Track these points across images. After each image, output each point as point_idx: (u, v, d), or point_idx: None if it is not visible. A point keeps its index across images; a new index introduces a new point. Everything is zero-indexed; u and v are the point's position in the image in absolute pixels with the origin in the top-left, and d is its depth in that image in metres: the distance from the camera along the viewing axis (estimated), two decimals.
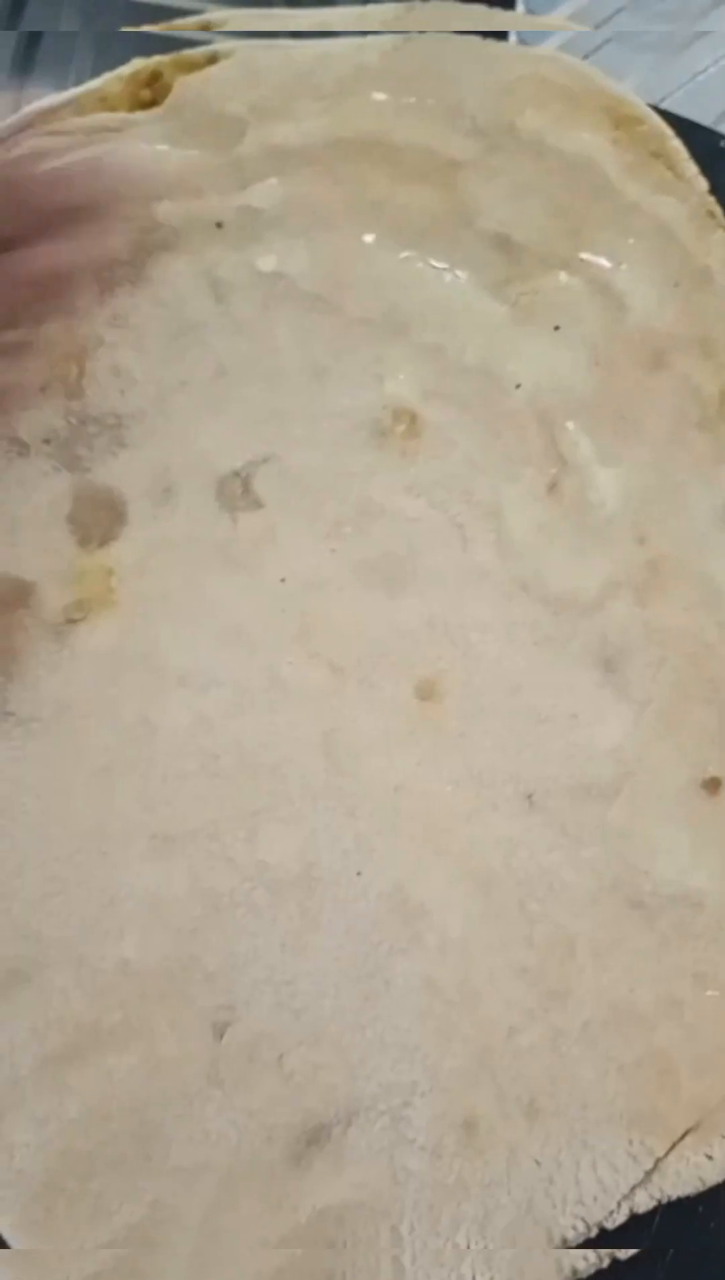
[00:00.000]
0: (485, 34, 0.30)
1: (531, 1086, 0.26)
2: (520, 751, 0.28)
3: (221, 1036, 0.27)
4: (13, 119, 0.32)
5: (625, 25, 0.36)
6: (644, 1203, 0.25)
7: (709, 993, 0.26)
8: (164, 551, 0.29)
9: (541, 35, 0.38)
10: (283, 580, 0.29)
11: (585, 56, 0.37)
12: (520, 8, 0.34)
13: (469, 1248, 0.24)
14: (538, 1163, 0.25)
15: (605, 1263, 0.25)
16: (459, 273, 0.29)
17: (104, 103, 0.31)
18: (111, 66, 0.32)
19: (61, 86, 0.39)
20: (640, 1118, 0.25)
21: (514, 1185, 0.25)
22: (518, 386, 0.29)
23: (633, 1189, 0.25)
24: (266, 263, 0.29)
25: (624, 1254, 0.25)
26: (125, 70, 0.31)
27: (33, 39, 0.40)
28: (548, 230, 0.29)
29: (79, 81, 0.39)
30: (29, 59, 0.40)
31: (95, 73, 0.39)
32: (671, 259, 0.29)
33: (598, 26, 0.36)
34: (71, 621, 0.29)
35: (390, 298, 0.30)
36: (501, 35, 0.31)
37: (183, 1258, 0.25)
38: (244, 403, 0.30)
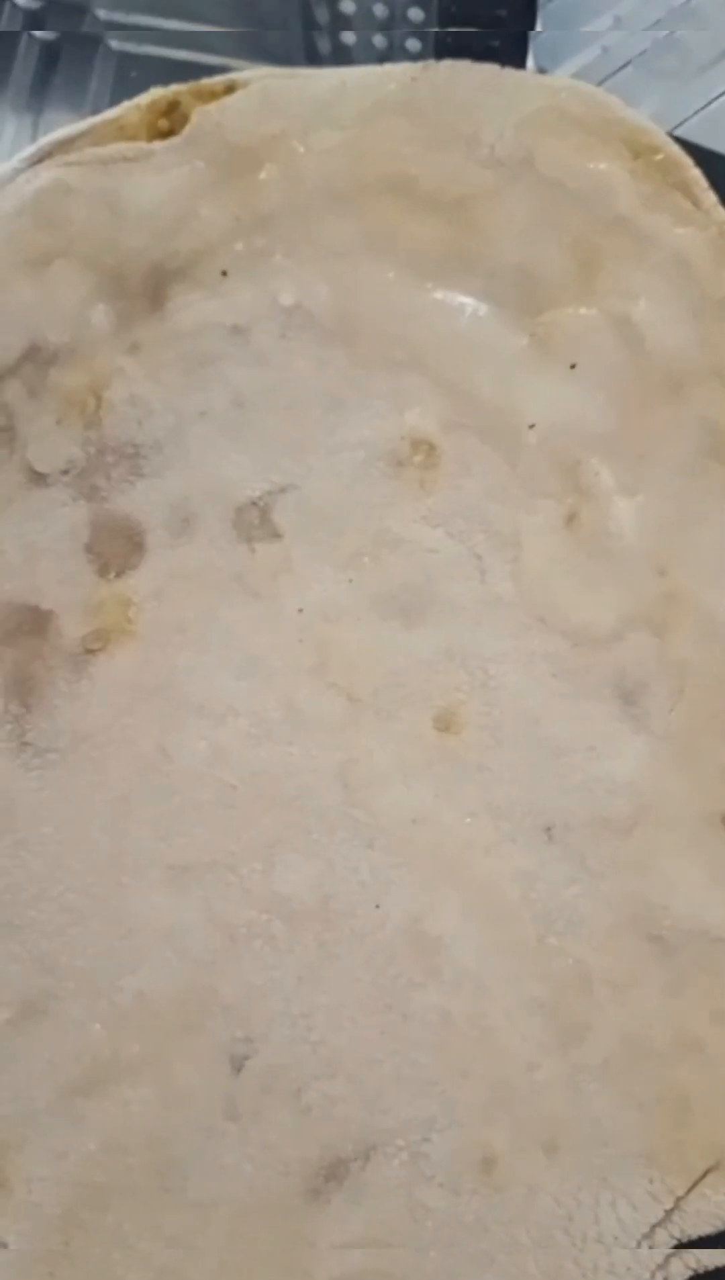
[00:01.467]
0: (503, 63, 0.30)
1: (550, 1123, 0.26)
2: (538, 784, 0.28)
3: (239, 1070, 0.27)
4: (30, 149, 0.32)
5: (627, 84, 0.36)
6: (663, 1241, 0.25)
7: None
8: (182, 581, 0.29)
9: (557, 61, 0.38)
10: (300, 610, 0.29)
11: (601, 82, 0.37)
12: (530, 64, 0.35)
13: None
14: (557, 1200, 0.25)
15: None
16: (477, 305, 0.29)
17: (122, 132, 0.31)
18: (128, 93, 0.32)
19: (79, 111, 0.40)
20: (659, 1156, 0.25)
21: (533, 1223, 0.25)
22: (531, 427, 0.29)
23: (653, 1228, 0.25)
24: (285, 296, 0.29)
25: None
26: (143, 99, 0.31)
27: (50, 64, 0.40)
28: (565, 262, 0.29)
29: (96, 107, 0.39)
30: (46, 84, 0.40)
31: (113, 99, 0.40)
32: (690, 290, 0.29)
33: (600, 83, 0.36)
34: (90, 651, 0.29)
35: (408, 329, 0.30)
36: (520, 63, 0.31)
37: None
38: (262, 433, 0.30)
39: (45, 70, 0.40)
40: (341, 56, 0.37)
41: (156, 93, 0.31)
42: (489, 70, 0.30)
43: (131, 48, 0.40)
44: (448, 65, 0.30)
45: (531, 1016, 0.26)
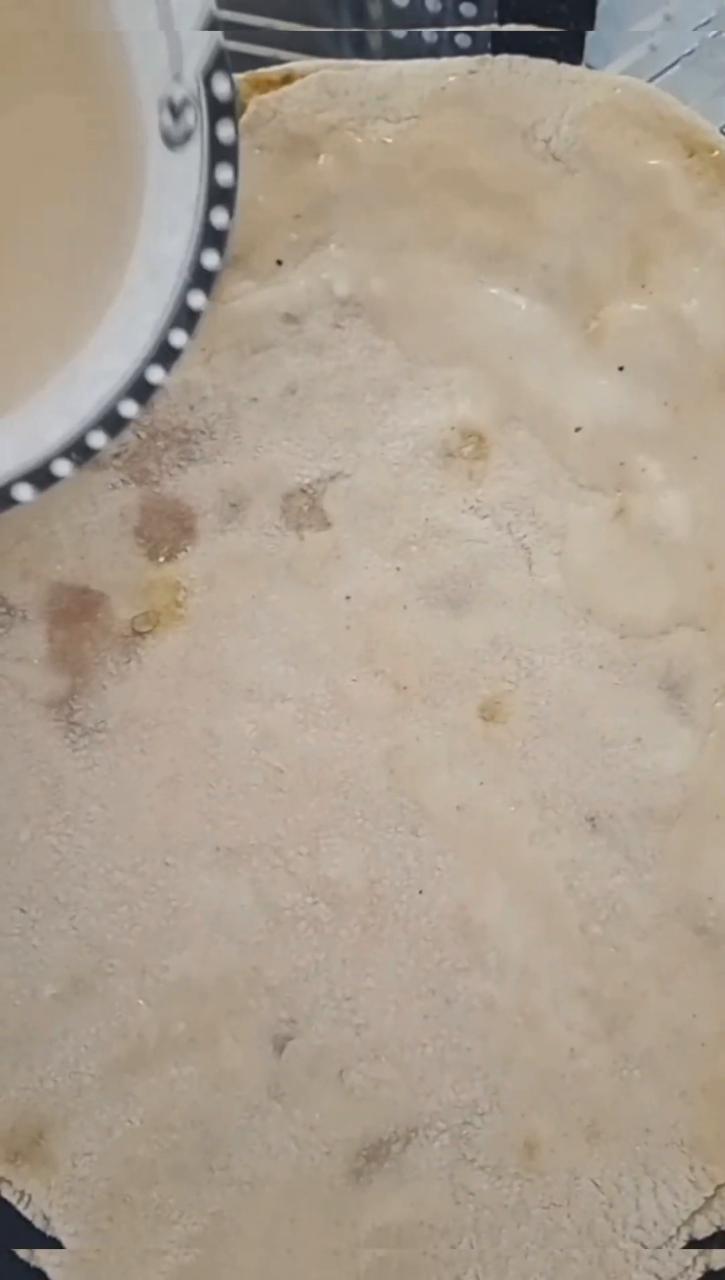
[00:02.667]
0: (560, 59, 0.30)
1: (592, 1109, 0.26)
2: (584, 774, 0.28)
3: (282, 1050, 0.27)
4: None
5: (675, 82, 0.36)
6: (704, 1229, 0.25)
7: None
8: (231, 566, 0.30)
9: (606, 59, 0.38)
10: (348, 598, 0.29)
11: (652, 78, 0.37)
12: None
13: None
14: (598, 1186, 0.25)
15: None
16: (530, 298, 0.30)
17: None
18: None
19: None
20: (702, 1144, 0.25)
21: (574, 1208, 0.25)
22: (578, 430, 0.29)
23: (693, 1215, 0.25)
24: (340, 286, 0.29)
25: None
26: None
27: None
28: (619, 258, 0.29)
29: None
30: None
31: None
32: None
33: (652, 79, 0.36)
34: (139, 634, 0.29)
35: (461, 322, 0.30)
36: (576, 60, 0.32)
37: (245, 1270, 0.25)
38: (314, 420, 0.30)
39: None
40: (392, 50, 0.38)
41: None
42: (546, 65, 0.30)
43: None
44: (505, 59, 0.30)
45: (575, 1004, 0.27)
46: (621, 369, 0.29)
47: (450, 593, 0.29)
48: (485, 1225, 0.25)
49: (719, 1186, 0.25)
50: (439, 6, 0.37)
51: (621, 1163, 0.25)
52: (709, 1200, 0.25)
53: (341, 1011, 0.27)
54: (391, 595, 0.29)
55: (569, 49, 0.33)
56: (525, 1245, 0.25)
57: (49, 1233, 0.26)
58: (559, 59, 0.31)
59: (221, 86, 0.25)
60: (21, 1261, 0.26)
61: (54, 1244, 0.26)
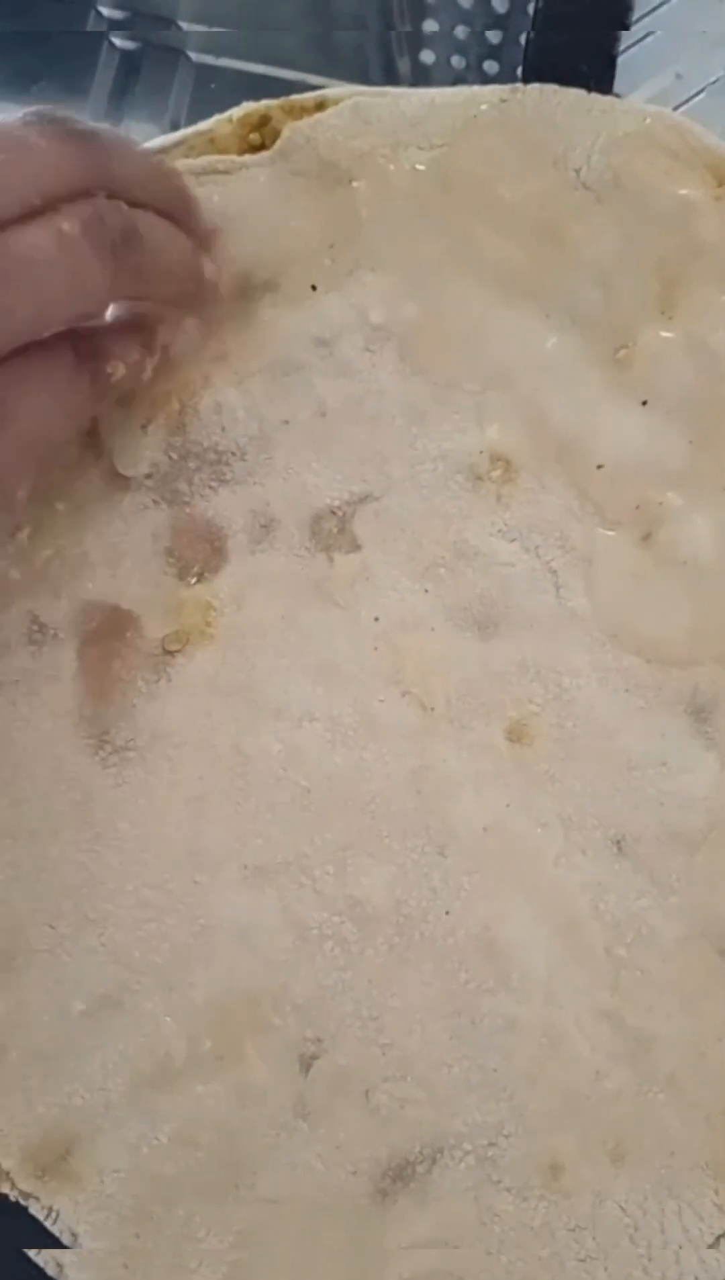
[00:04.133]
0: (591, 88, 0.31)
1: (617, 1132, 0.26)
2: (610, 797, 0.28)
3: (308, 1069, 0.27)
4: None
5: (700, 110, 0.37)
6: None
7: None
8: (261, 586, 0.30)
9: (632, 86, 0.38)
10: (377, 619, 0.30)
11: (678, 106, 0.38)
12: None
13: None
14: (623, 1209, 0.26)
15: None
16: (559, 325, 0.30)
17: (213, 144, 0.32)
18: (207, 104, 0.33)
19: (158, 121, 0.40)
20: None
21: (600, 1230, 0.25)
22: (600, 467, 0.29)
23: (718, 1239, 0.25)
24: (374, 313, 0.30)
25: None
26: (235, 113, 0.32)
27: (130, 74, 0.40)
28: (647, 286, 0.30)
29: (175, 118, 0.40)
30: (126, 93, 0.41)
31: (192, 110, 0.40)
32: None
33: (678, 107, 0.36)
34: (169, 652, 0.30)
35: (490, 346, 0.30)
36: (607, 89, 0.32)
37: None
38: (345, 443, 0.30)
39: (126, 79, 0.41)
40: (420, 76, 0.38)
41: (248, 106, 0.32)
42: (577, 94, 0.31)
43: (210, 60, 0.40)
44: (537, 88, 0.31)
45: (600, 1026, 0.27)
46: (645, 403, 0.30)
47: (478, 615, 0.30)
48: (512, 1245, 0.25)
49: None
50: (463, 63, 0.37)
51: (646, 1185, 0.26)
52: None
53: (367, 1031, 0.27)
54: (420, 617, 0.30)
55: (599, 77, 0.33)
56: (553, 1266, 0.25)
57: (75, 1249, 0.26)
58: (589, 88, 0.31)
59: None
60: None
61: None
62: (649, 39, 0.38)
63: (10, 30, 0.40)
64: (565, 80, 0.31)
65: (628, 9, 0.34)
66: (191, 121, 0.32)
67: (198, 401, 0.30)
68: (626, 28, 0.34)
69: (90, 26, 0.40)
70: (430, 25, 0.37)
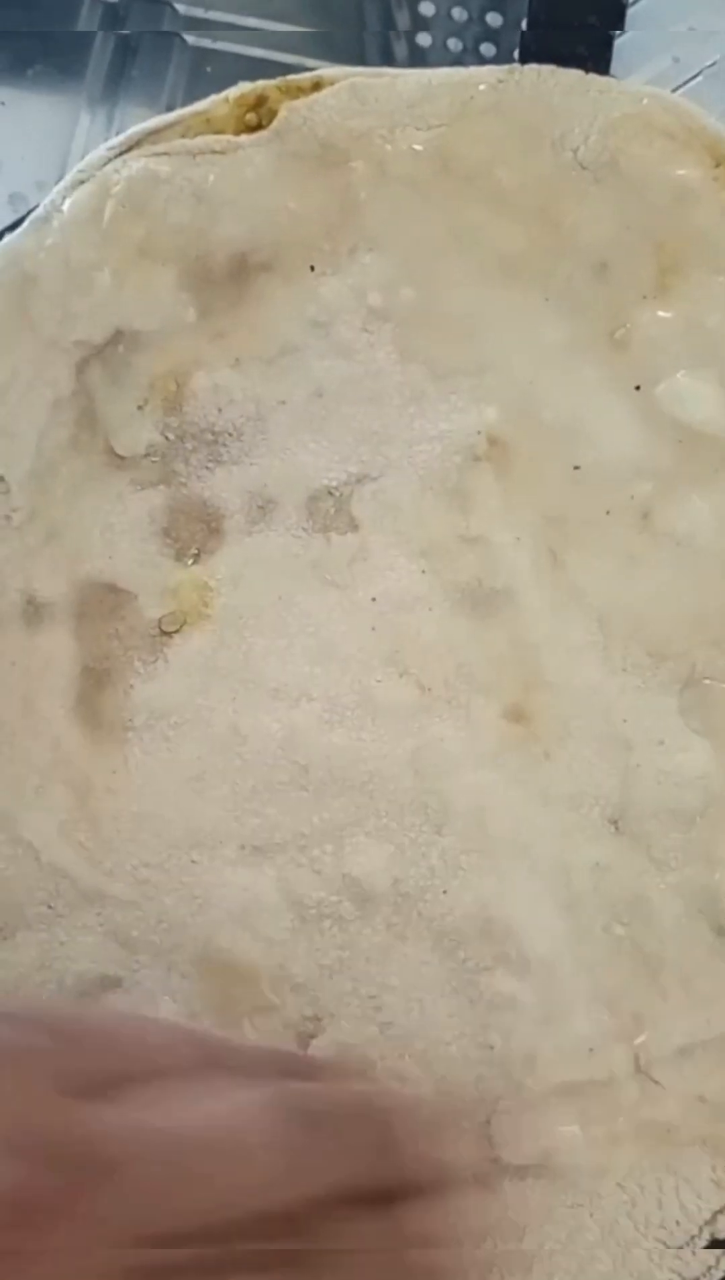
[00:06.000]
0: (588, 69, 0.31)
1: (615, 1109, 0.26)
2: (607, 776, 0.28)
3: (307, 1047, 0.27)
4: (119, 138, 0.32)
5: (697, 93, 0.37)
6: None
7: None
8: (258, 567, 0.30)
9: (630, 70, 0.38)
10: (374, 599, 0.30)
11: (675, 89, 0.38)
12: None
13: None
14: (621, 1186, 0.26)
15: None
16: (556, 305, 0.30)
17: (209, 125, 0.32)
18: (203, 88, 0.33)
19: (154, 105, 0.40)
20: (723, 1144, 0.26)
21: (597, 1207, 0.25)
22: (595, 449, 0.29)
23: (715, 1214, 0.25)
24: (372, 295, 0.30)
25: None
26: (231, 93, 0.32)
27: (126, 58, 0.40)
28: (644, 268, 0.30)
29: (171, 102, 0.40)
30: (122, 77, 0.40)
31: (188, 94, 0.40)
32: None
33: (675, 90, 0.36)
34: (166, 633, 0.30)
35: (488, 327, 0.30)
36: (604, 70, 0.32)
37: None
38: (342, 423, 0.30)
39: (121, 64, 0.40)
40: (416, 58, 0.38)
41: (244, 87, 0.32)
42: (574, 75, 0.31)
43: (206, 43, 0.40)
44: (534, 69, 0.31)
45: (598, 1004, 0.27)
46: (638, 388, 0.30)
47: (476, 595, 0.30)
48: (509, 1225, 0.25)
49: None
50: (460, 46, 0.37)
51: (644, 1162, 0.26)
52: None
53: (366, 1009, 0.27)
54: (417, 597, 0.30)
55: (597, 58, 0.33)
56: (549, 1245, 0.25)
57: None
58: (587, 69, 0.31)
59: None
60: None
61: None
62: (646, 23, 0.38)
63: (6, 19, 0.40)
64: (562, 64, 0.31)
65: None
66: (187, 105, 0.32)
67: (195, 382, 0.30)
68: (622, 16, 0.34)
69: (85, 12, 0.40)
70: (427, 8, 0.37)
